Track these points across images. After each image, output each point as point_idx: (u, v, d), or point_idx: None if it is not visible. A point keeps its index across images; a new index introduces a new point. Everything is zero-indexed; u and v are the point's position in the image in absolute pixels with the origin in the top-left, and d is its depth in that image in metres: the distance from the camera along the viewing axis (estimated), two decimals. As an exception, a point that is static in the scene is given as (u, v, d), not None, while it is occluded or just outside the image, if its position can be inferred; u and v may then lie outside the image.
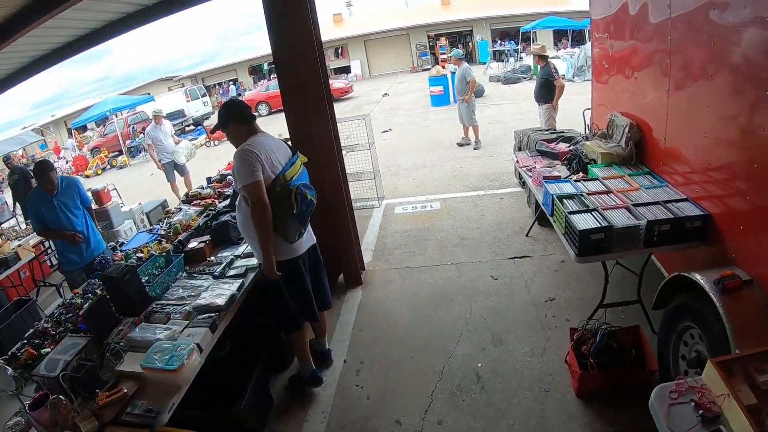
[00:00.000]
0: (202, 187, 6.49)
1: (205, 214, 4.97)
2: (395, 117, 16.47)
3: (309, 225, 3.65)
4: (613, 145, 4.40)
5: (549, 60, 8.21)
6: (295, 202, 3.25)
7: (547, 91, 8.15)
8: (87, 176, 17.31)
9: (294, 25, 4.31)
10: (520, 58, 24.39)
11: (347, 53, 35.84)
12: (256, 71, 38.95)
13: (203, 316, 3.34)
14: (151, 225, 6.57)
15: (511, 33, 30.61)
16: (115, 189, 9.80)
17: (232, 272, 3.91)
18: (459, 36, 34.66)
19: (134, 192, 12.18)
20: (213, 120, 25.50)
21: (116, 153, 19.68)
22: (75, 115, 27.25)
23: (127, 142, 20.48)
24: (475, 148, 10.44)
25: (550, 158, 5.33)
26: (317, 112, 4.59)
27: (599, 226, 3.32)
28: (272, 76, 33.18)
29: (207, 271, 4.05)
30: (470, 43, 33.56)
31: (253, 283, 3.78)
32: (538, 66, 8.33)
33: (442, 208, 7.33)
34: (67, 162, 20.45)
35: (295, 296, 3.61)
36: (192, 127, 23.55)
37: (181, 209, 5.51)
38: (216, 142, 18.42)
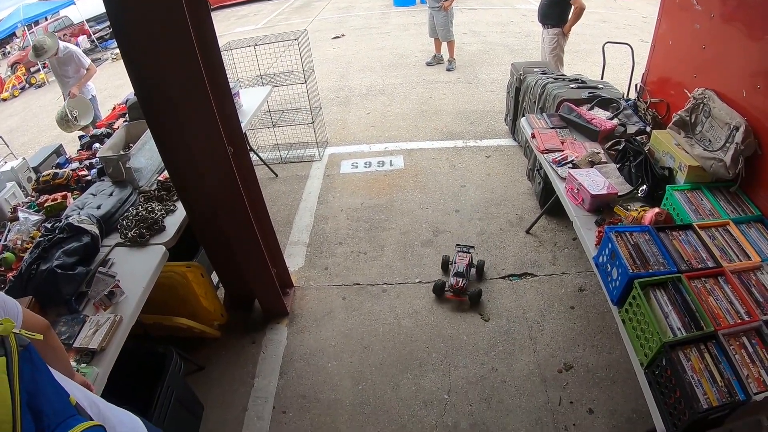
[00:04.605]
0: (63, 161, 4.31)
1: (38, 240, 2.77)
2: (350, 18, 13.68)
3: None
4: (709, 156, 2.56)
5: None
6: None
7: (559, 11, 5.93)
8: (3, 99, 13.73)
9: None
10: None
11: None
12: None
13: None
14: (39, 181, 4.10)
15: None
16: (0, 137, 7.36)
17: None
18: None
19: (40, 124, 9.53)
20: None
21: (37, 69, 16.25)
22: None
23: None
24: (448, 69, 8.34)
25: (585, 135, 3.48)
26: (181, 53, 2.31)
27: (728, 399, 1.68)
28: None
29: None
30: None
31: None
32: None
33: (406, 168, 5.38)
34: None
35: None
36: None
37: (18, 217, 3.35)
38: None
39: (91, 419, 1.31)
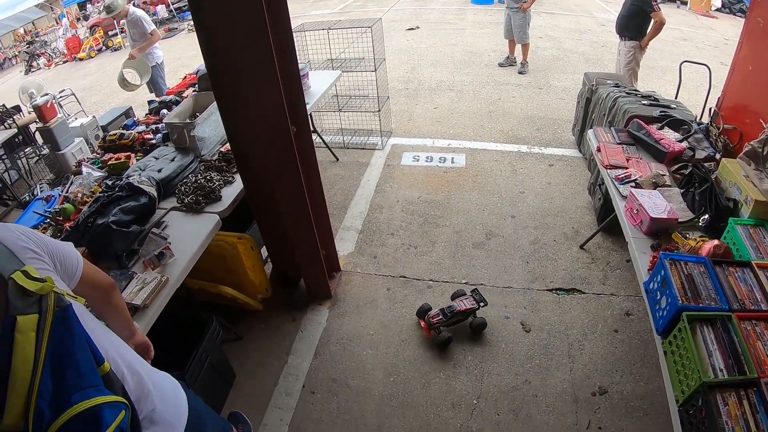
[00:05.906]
0: (131, 123, 4.49)
1: (98, 195, 2.96)
2: (426, 11, 13.55)
3: None
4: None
5: None
6: None
7: (638, 23, 5.68)
8: (80, 59, 14.81)
9: None
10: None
11: None
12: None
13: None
14: (105, 140, 4.23)
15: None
16: (73, 94, 7.76)
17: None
18: None
19: (113, 86, 9.90)
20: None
21: (115, 32, 16.79)
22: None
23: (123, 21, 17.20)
24: (520, 72, 8.14)
25: (651, 155, 3.33)
26: (252, 30, 2.38)
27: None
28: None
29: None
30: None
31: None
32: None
33: (467, 167, 5.31)
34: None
35: None
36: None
37: (82, 171, 3.54)
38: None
39: (124, 392, 1.29)
